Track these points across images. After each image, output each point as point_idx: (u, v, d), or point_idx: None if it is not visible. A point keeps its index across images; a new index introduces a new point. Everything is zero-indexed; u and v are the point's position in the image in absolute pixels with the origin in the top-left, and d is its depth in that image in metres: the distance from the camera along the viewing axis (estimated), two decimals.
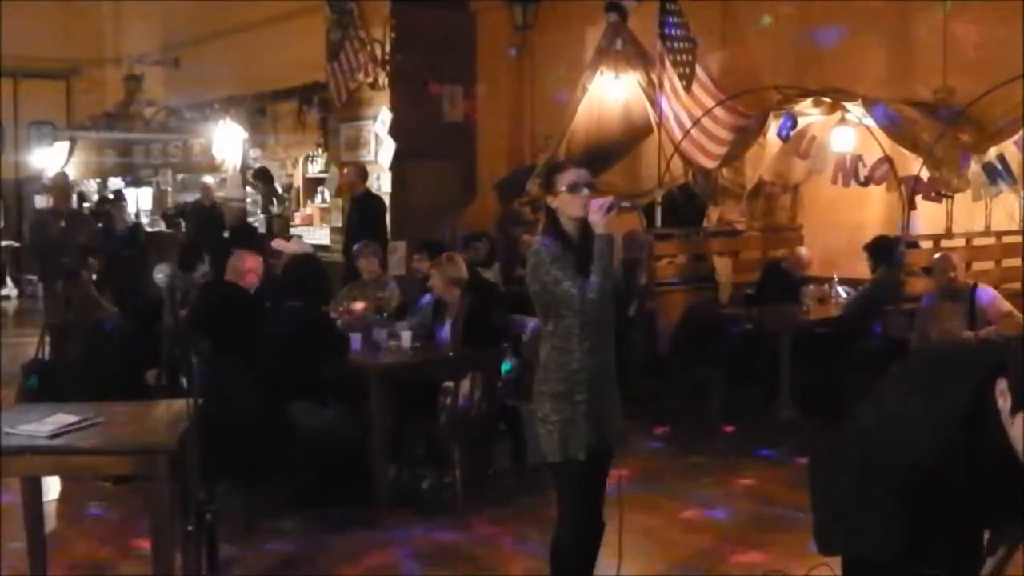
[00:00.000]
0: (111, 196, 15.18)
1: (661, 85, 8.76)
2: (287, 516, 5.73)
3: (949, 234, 8.19)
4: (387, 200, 11.15)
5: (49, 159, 16.91)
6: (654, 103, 8.90)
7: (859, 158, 8.90)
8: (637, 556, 4.65)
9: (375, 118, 11.53)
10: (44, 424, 4.10)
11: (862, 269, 8.03)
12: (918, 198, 8.05)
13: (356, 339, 6.33)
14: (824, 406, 6.55)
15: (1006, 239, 8.39)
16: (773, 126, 8.93)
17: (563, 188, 3.87)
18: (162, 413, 4.49)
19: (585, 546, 4.00)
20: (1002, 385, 2.42)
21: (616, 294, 3.91)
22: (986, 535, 2.89)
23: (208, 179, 14.23)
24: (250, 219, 12.90)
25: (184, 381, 5.31)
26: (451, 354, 6.35)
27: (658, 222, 8.87)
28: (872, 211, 8.99)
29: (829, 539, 2.85)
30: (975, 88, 7.63)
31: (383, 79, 11.42)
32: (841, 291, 8.38)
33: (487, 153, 11.84)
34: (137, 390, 6.22)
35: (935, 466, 2.51)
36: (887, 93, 8.40)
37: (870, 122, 8.20)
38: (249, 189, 14.03)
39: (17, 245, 15.98)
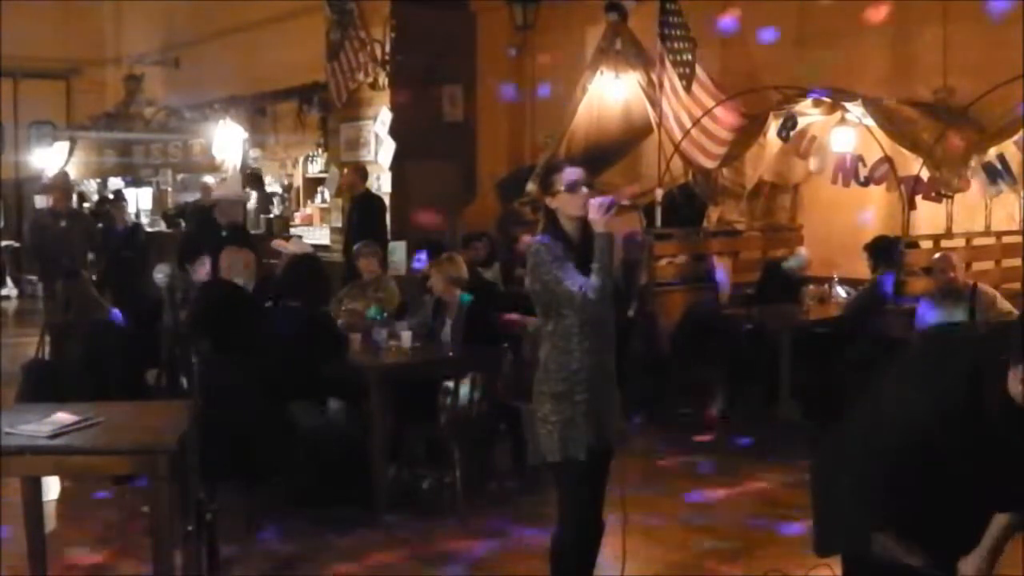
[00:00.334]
0: (111, 196, 15.16)
1: (661, 85, 8.75)
2: (287, 516, 5.72)
3: (949, 234, 8.20)
4: (387, 200, 11.15)
5: (49, 159, 16.92)
6: (654, 103, 8.89)
7: (859, 158, 8.90)
8: (637, 556, 4.65)
9: (375, 118, 11.52)
10: (44, 424, 4.10)
11: (862, 269, 8.02)
12: (918, 198, 8.06)
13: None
14: (824, 406, 6.54)
15: (1006, 239, 8.40)
16: (773, 126, 8.94)
17: (561, 188, 3.87)
18: (162, 413, 4.49)
19: (585, 546, 4.00)
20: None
21: (616, 294, 3.90)
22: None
23: (208, 179, 14.24)
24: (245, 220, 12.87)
25: (184, 381, 5.31)
26: (451, 354, 6.35)
27: (658, 222, 8.86)
28: (872, 211, 8.99)
29: (829, 540, 2.86)
30: (975, 88, 7.64)
31: (383, 79, 11.42)
32: (841, 291, 8.38)
33: (487, 153, 11.84)
34: (137, 390, 6.22)
35: (936, 441, 2.51)
36: (887, 93, 8.41)
37: (870, 122, 8.20)
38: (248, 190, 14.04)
39: (17, 245, 15.97)
